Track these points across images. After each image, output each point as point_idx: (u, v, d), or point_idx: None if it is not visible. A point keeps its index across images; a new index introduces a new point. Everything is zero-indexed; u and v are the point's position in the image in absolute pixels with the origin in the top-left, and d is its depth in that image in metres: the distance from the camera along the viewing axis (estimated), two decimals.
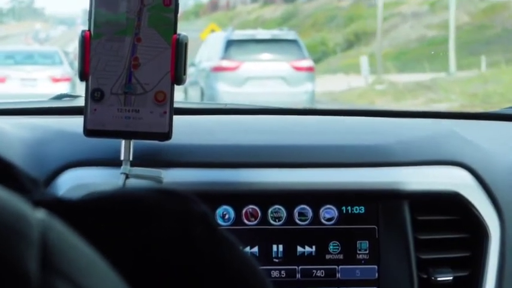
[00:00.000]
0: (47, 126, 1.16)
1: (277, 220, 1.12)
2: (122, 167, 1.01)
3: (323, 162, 1.13)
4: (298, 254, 1.12)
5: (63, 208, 0.45)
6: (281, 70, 11.37)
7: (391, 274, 1.12)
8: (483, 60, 17.34)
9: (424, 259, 1.13)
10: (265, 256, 1.11)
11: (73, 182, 1.06)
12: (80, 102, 1.08)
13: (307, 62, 11.71)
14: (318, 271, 1.12)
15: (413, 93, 14.39)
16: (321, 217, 1.13)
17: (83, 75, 0.98)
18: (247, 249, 1.11)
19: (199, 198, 0.49)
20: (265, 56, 11.60)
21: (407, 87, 15.22)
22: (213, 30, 15.60)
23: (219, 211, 1.11)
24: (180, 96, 11.54)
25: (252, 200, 1.11)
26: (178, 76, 0.98)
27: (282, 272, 1.11)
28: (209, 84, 11.47)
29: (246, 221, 1.11)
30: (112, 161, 1.05)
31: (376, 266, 1.12)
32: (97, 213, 0.46)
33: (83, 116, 0.99)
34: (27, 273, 0.35)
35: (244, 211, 1.11)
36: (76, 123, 1.04)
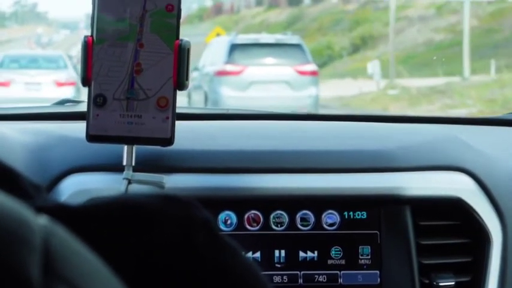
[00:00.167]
0: (50, 131, 1.17)
1: (279, 225, 1.14)
2: (124, 173, 1.02)
3: (325, 168, 1.14)
4: (300, 259, 1.13)
5: (65, 214, 0.45)
6: (285, 74, 11.40)
7: (393, 279, 1.13)
8: (492, 64, 17.24)
9: (426, 264, 1.14)
10: (268, 261, 1.12)
11: (75, 188, 1.08)
12: (83, 107, 1.10)
13: (311, 66, 11.74)
14: (320, 276, 1.13)
15: (428, 99, 14.17)
16: (323, 222, 1.14)
17: (86, 81, 0.99)
18: (250, 254, 1.12)
19: (202, 204, 0.49)
20: (269, 60, 11.63)
21: (421, 92, 15.04)
22: (218, 34, 15.61)
23: (221, 216, 1.12)
24: (183, 100, 11.56)
25: (254, 205, 1.13)
26: (180, 82, 0.99)
27: (284, 277, 1.13)
28: (213, 88, 11.50)
29: (248, 226, 1.13)
30: (114, 167, 1.06)
31: (378, 271, 1.14)
32: (99, 219, 0.46)
33: (85, 122, 1.00)
34: (29, 279, 0.35)
35: (246, 216, 1.13)
36: (78, 128, 1.06)
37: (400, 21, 26.52)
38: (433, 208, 1.15)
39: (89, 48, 0.99)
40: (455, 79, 16.47)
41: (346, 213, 1.14)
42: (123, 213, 0.47)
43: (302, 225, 1.14)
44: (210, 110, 4.37)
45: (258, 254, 1.13)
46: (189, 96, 12.32)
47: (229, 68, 11.46)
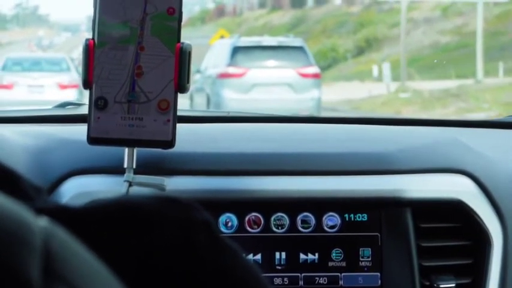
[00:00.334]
0: (51, 134, 1.19)
1: (280, 228, 1.15)
2: (125, 175, 1.03)
3: (326, 170, 1.15)
4: (301, 261, 1.14)
5: (65, 216, 0.45)
6: (287, 77, 11.44)
7: (393, 281, 1.15)
8: (501, 66, 17.13)
9: (427, 266, 1.15)
10: (268, 263, 1.14)
11: (76, 190, 1.09)
12: (84, 110, 1.11)
13: (314, 69, 11.79)
14: (321, 278, 1.15)
15: (441, 102, 13.97)
16: (324, 224, 1.15)
17: (87, 84, 1.01)
18: (250, 256, 1.13)
19: (202, 206, 0.49)
20: (272, 62, 11.67)
21: (434, 95, 14.87)
22: (222, 36, 15.62)
23: (222, 219, 1.13)
24: (186, 103, 11.57)
25: (255, 207, 1.14)
26: (181, 84, 1.00)
27: (285, 279, 1.14)
28: (215, 91, 11.54)
29: (249, 229, 1.14)
30: (115, 169, 1.07)
31: (378, 273, 1.15)
32: (99, 220, 0.46)
33: (86, 124, 1.01)
34: (29, 280, 0.35)
35: (247, 219, 1.14)
36: (80, 131, 1.07)
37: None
38: (433, 210, 1.16)
39: (90, 51, 1.00)
40: (468, 82, 16.18)
41: (346, 215, 1.16)
42: (123, 215, 0.47)
43: (303, 227, 1.15)
44: (211, 112, 4.38)
45: (258, 256, 1.14)
46: (191, 98, 12.36)
47: (231, 70, 11.51)
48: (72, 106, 1.48)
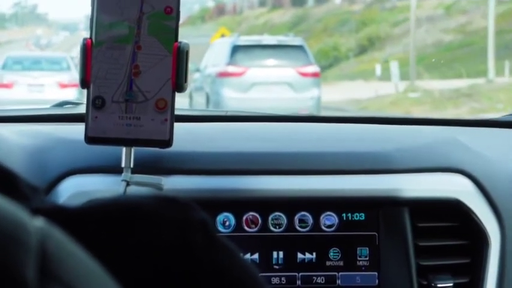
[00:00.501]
0: (48, 133, 1.20)
1: (277, 227, 1.16)
2: (122, 174, 1.04)
3: (323, 170, 1.17)
4: (298, 260, 1.16)
5: (62, 216, 0.45)
6: (287, 76, 11.49)
7: (391, 281, 1.16)
8: (506, 65, 16.99)
9: (424, 265, 1.16)
10: (266, 263, 1.15)
11: (74, 189, 1.10)
12: (82, 109, 1.11)
13: (313, 68, 11.84)
14: (318, 278, 1.16)
15: (453, 102, 13.75)
16: (322, 224, 1.17)
17: (84, 83, 1.02)
18: (248, 256, 1.14)
19: (200, 205, 0.50)
20: (271, 61, 11.72)
21: (445, 95, 14.65)
22: (223, 35, 15.62)
23: (220, 218, 1.15)
24: (185, 101, 11.58)
25: (252, 207, 1.15)
26: (179, 84, 1.01)
27: (282, 278, 1.15)
28: (215, 89, 11.58)
29: (246, 228, 1.15)
30: (113, 168, 1.08)
31: (376, 273, 1.16)
32: (97, 220, 0.47)
33: (84, 124, 1.02)
34: (25, 280, 0.35)
35: (244, 218, 1.15)
36: (77, 130, 1.08)
37: (407, 21, 26.47)
38: (431, 210, 1.18)
39: (87, 50, 1.01)
40: (479, 81, 15.93)
41: (344, 214, 1.17)
42: (121, 215, 0.47)
43: (300, 226, 1.16)
44: (209, 111, 4.39)
45: (256, 256, 1.15)
46: (190, 97, 12.40)
47: (231, 69, 11.54)
48: (70, 105, 1.49)
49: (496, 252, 1.17)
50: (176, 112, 1.03)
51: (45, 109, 1.48)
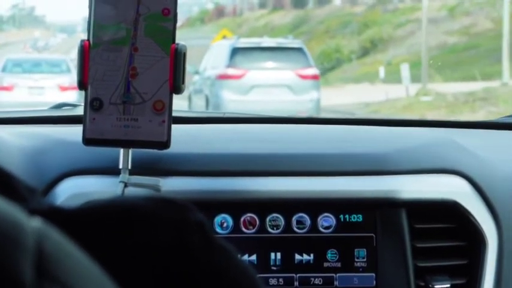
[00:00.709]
0: (46, 135, 1.21)
1: (275, 228, 1.18)
2: (120, 176, 1.06)
3: (321, 171, 1.18)
4: (296, 262, 1.17)
5: (59, 217, 0.46)
6: (286, 78, 11.56)
7: (388, 282, 1.18)
8: None
9: (422, 267, 1.18)
10: (263, 264, 1.16)
11: (72, 191, 1.11)
12: (80, 111, 1.13)
13: (313, 70, 11.92)
14: (316, 279, 1.17)
15: (469, 106, 13.48)
16: (319, 225, 1.18)
17: (82, 85, 1.03)
18: (245, 257, 1.16)
19: (198, 207, 0.50)
20: (271, 64, 11.79)
21: (458, 98, 14.39)
22: (225, 36, 15.62)
23: (218, 219, 1.16)
24: (184, 104, 11.59)
25: (250, 208, 1.17)
26: (177, 85, 1.03)
27: (280, 280, 1.17)
28: (214, 92, 11.63)
29: (244, 229, 1.17)
30: (111, 170, 1.09)
31: (374, 274, 1.18)
32: (94, 221, 0.47)
33: (82, 125, 1.04)
34: (22, 281, 0.36)
35: (242, 219, 1.17)
36: (75, 132, 1.09)
37: (410, 23, 26.47)
38: (428, 211, 1.19)
39: (85, 52, 1.02)
40: (493, 84, 15.63)
41: (342, 216, 1.18)
42: (118, 216, 0.48)
43: (298, 228, 1.18)
44: (207, 113, 4.39)
45: (254, 257, 1.17)
46: (189, 100, 12.43)
47: (230, 71, 11.59)
48: (68, 107, 1.51)
49: (493, 253, 1.18)
50: (174, 114, 1.04)
51: (43, 111, 1.49)
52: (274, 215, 1.18)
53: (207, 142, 1.22)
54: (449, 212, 1.19)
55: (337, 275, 1.18)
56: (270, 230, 1.18)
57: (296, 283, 1.17)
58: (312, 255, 1.18)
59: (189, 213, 0.50)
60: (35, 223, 0.39)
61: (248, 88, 11.47)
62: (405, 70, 16.52)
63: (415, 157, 1.22)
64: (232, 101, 11.12)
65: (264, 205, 1.17)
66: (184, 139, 1.19)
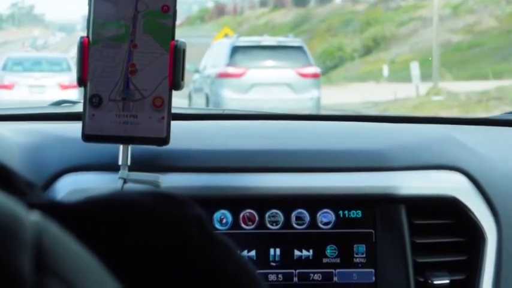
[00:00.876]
0: (46, 131, 1.23)
1: (274, 224, 1.19)
2: (119, 172, 1.07)
3: (320, 167, 1.19)
4: (295, 257, 1.18)
5: (58, 211, 0.46)
6: (287, 77, 11.61)
7: (388, 278, 1.19)
8: None
9: (421, 263, 1.19)
10: (263, 260, 1.18)
11: (71, 187, 1.12)
12: (79, 108, 1.14)
13: (313, 69, 11.97)
14: (315, 275, 1.19)
15: (483, 106, 13.35)
16: (318, 221, 1.19)
17: (81, 81, 1.05)
18: (245, 253, 1.17)
19: (197, 203, 0.51)
20: (271, 62, 11.85)
21: (471, 97, 14.27)
22: (227, 35, 15.63)
23: (217, 215, 1.17)
24: (184, 103, 11.60)
25: (249, 204, 1.18)
26: (176, 82, 1.04)
27: (279, 275, 1.18)
28: (214, 90, 11.68)
29: (243, 225, 1.18)
30: (110, 166, 1.10)
31: (373, 270, 1.19)
32: (93, 216, 0.48)
33: (81, 122, 1.05)
34: (20, 274, 0.36)
35: (241, 215, 1.18)
36: (74, 128, 1.10)
37: (413, 21, 26.45)
38: (428, 207, 1.20)
39: (85, 48, 1.03)
40: (505, 83, 15.43)
41: (341, 212, 1.20)
42: (117, 211, 0.49)
43: (297, 224, 1.19)
44: (206, 110, 4.40)
45: (253, 253, 1.18)
46: (189, 98, 12.46)
47: (230, 70, 11.64)
48: (68, 104, 1.52)
49: (492, 249, 1.19)
50: (173, 110, 1.05)
51: (43, 108, 1.51)
52: (274, 211, 1.19)
53: (206, 138, 1.23)
54: (449, 208, 1.21)
55: (337, 270, 1.19)
56: (269, 226, 1.19)
57: (295, 279, 1.18)
58: (311, 251, 1.19)
59: (188, 208, 0.51)
60: (33, 217, 0.39)
61: (248, 87, 11.52)
62: (415, 68, 16.25)
63: (415, 153, 1.23)
64: (233, 100, 11.16)
65: (263, 201, 1.18)
66: (183, 135, 1.20)
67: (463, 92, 14.94)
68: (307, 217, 1.19)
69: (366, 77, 21.73)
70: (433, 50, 17.77)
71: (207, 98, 11.95)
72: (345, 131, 1.35)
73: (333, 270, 1.19)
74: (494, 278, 1.20)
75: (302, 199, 1.19)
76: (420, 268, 1.19)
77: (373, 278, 1.19)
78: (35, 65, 14.78)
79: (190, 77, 12.55)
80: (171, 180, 1.13)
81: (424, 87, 16.03)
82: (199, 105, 12.02)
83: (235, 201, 1.18)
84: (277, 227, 1.19)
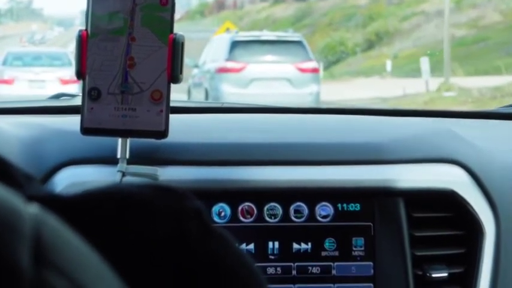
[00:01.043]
0: (45, 124, 1.24)
1: (273, 217, 1.20)
2: (118, 165, 1.08)
3: (319, 160, 1.21)
4: (293, 250, 1.20)
5: (57, 203, 0.46)
6: (286, 72, 11.66)
7: (386, 271, 1.20)
8: None
9: (419, 256, 1.21)
10: (261, 253, 1.19)
11: (70, 180, 1.14)
12: (78, 101, 1.15)
13: (312, 64, 12.03)
14: (314, 268, 1.20)
15: (498, 102, 12.92)
16: (317, 214, 1.21)
17: (80, 74, 1.06)
18: (243, 246, 1.18)
19: (196, 196, 0.51)
20: (270, 57, 11.89)
21: (484, 93, 14.02)
22: (228, 29, 15.64)
23: (215, 208, 1.19)
24: (183, 97, 11.61)
25: (248, 197, 1.19)
26: (174, 75, 1.05)
27: (278, 268, 1.19)
28: (214, 85, 11.71)
29: (242, 218, 1.19)
30: (109, 159, 1.12)
31: (371, 263, 1.20)
32: (91, 208, 0.48)
33: (80, 115, 1.06)
34: (19, 266, 0.36)
35: (240, 208, 1.19)
36: (73, 121, 1.11)
37: (415, 16, 26.41)
38: (426, 200, 1.22)
39: (83, 42, 1.04)
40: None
41: (339, 205, 1.21)
42: (116, 204, 0.49)
43: (296, 217, 1.20)
44: (205, 103, 4.41)
45: (251, 246, 1.19)
46: (189, 93, 12.48)
47: (230, 65, 11.67)
48: (67, 97, 1.54)
49: (490, 242, 1.21)
50: (172, 104, 1.06)
51: (42, 101, 1.52)
52: (272, 204, 1.20)
53: (205, 132, 1.24)
54: (447, 201, 1.22)
55: (335, 263, 1.20)
56: (267, 219, 1.20)
57: (294, 272, 1.20)
58: (309, 244, 1.20)
59: (187, 201, 0.51)
60: (32, 209, 0.39)
61: (248, 81, 11.56)
62: (425, 63, 15.99)
63: (413, 146, 1.24)
64: (232, 94, 11.18)
65: (262, 194, 1.19)
66: (182, 129, 1.21)
67: (474, 87, 14.74)
68: (305, 210, 1.21)
69: (369, 71, 21.69)
70: (444, 45, 17.51)
71: (207, 92, 11.98)
72: (343, 124, 1.36)
73: (331, 263, 1.20)
74: (493, 271, 1.21)
75: (300, 192, 1.20)
76: (418, 261, 1.21)
77: (372, 271, 1.21)
78: (35, 60, 14.81)
79: (190, 72, 12.56)
80: (169, 174, 1.15)
81: (432, 82, 15.88)
82: (198, 100, 12.04)
83: (234, 194, 1.19)
84: (276, 220, 1.20)
